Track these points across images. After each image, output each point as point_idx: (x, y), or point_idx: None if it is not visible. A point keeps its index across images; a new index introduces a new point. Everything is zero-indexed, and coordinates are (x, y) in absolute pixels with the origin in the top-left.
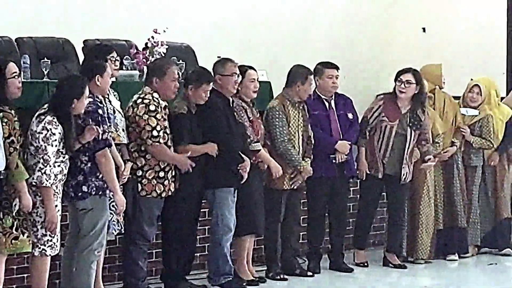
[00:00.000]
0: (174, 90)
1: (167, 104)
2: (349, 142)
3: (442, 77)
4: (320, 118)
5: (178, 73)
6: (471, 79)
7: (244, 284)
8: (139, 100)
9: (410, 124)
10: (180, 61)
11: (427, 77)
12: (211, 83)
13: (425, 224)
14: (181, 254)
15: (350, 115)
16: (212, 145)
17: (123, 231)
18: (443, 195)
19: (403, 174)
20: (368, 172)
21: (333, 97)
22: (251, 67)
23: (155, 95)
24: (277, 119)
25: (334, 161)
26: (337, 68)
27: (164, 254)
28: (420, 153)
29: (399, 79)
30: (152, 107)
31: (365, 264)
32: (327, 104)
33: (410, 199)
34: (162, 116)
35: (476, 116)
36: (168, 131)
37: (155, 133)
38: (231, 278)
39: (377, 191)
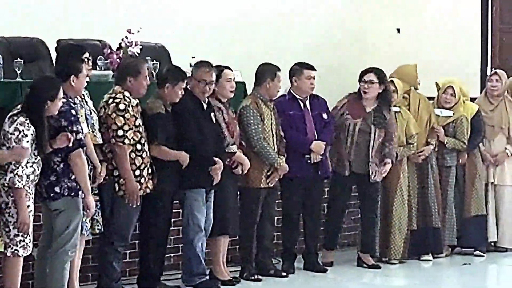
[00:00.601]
0: (146, 88)
1: (138, 102)
2: (324, 143)
3: (417, 78)
4: (295, 118)
5: (149, 71)
6: (436, 83)
7: (218, 284)
8: (110, 100)
9: (375, 123)
10: (154, 61)
11: (402, 77)
12: (185, 81)
13: (398, 224)
14: (158, 255)
15: (325, 116)
16: (185, 156)
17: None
18: (417, 196)
19: (372, 173)
20: (335, 170)
21: (308, 97)
22: (227, 67)
23: (126, 94)
24: (251, 118)
25: (309, 161)
26: (315, 69)
27: (141, 255)
28: (384, 154)
29: (362, 79)
30: (121, 106)
31: (331, 264)
32: (302, 104)
33: (383, 200)
34: (132, 115)
35: (450, 117)
36: (141, 130)
37: (120, 132)
38: (204, 279)
39: (345, 190)
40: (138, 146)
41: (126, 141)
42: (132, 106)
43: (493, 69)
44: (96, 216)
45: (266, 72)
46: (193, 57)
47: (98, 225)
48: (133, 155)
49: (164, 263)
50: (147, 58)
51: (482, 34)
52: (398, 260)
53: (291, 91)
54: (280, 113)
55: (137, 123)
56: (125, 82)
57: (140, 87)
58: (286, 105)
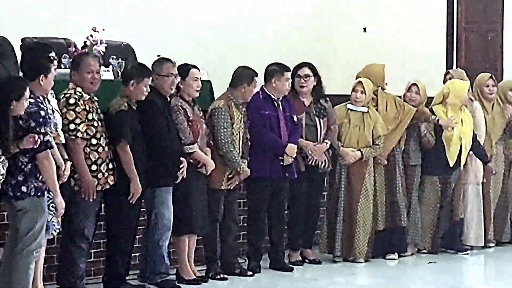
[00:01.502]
0: (92, 81)
1: (95, 98)
2: (296, 146)
3: (385, 78)
4: (271, 119)
5: (96, 65)
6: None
7: (176, 283)
8: (62, 96)
9: (317, 114)
10: (120, 60)
11: (370, 77)
12: (151, 77)
13: (362, 224)
14: (124, 254)
15: (295, 117)
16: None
17: (61, 230)
18: (385, 196)
19: (321, 163)
20: None
21: (281, 98)
22: (194, 66)
23: (78, 89)
24: (222, 120)
25: (282, 163)
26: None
27: (107, 254)
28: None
29: (297, 74)
30: (71, 101)
31: (300, 263)
32: (276, 104)
33: (348, 200)
34: (84, 109)
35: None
36: (96, 124)
37: (72, 126)
38: (167, 277)
39: (303, 187)
40: (93, 141)
41: (79, 134)
42: (84, 100)
43: (458, 68)
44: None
45: (243, 76)
46: (158, 56)
47: (58, 224)
48: (87, 149)
49: (130, 263)
50: (112, 56)
51: (448, 34)
52: (363, 259)
53: (266, 90)
54: (253, 110)
55: (90, 117)
56: (71, 77)
57: (83, 81)
58: (260, 103)
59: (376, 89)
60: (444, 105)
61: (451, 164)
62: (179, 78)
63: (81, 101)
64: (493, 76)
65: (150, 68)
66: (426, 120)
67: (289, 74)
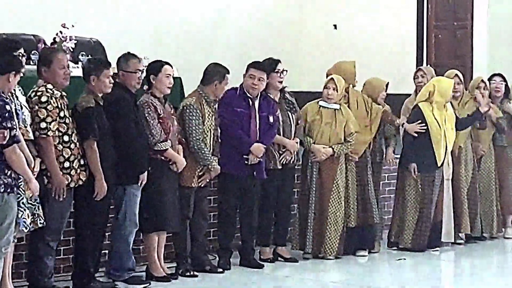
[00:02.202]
0: (65, 77)
1: (64, 94)
2: (264, 146)
3: (356, 75)
4: (242, 116)
5: (67, 60)
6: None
7: (143, 278)
8: (33, 93)
9: (288, 108)
10: (89, 56)
11: (340, 74)
12: (111, 68)
13: (333, 221)
14: (94, 251)
15: (271, 118)
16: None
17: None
18: (357, 193)
19: (291, 157)
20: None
21: (258, 97)
22: (167, 63)
23: (49, 86)
24: (193, 117)
25: (246, 162)
26: (263, 70)
27: (76, 251)
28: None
29: (276, 70)
30: (43, 98)
31: (271, 260)
32: (251, 102)
33: (319, 196)
34: (56, 107)
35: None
36: (67, 121)
37: (43, 124)
38: (133, 274)
39: (274, 183)
40: (65, 138)
41: (50, 133)
42: (56, 97)
43: (428, 65)
44: (37, 210)
45: (215, 73)
46: (128, 52)
47: (40, 219)
48: (60, 147)
49: (100, 260)
50: (81, 53)
51: (418, 31)
52: (333, 256)
53: (243, 87)
54: (226, 106)
55: (62, 115)
56: (41, 73)
57: (55, 76)
58: (235, 100)
59: (347, 86)
60: (429, 103)
61: (439, 163)
62: (143, 74)
63: (53, 99)
64: (458, 74)
65: (116, 64)
66: (390, 123)
67: (254, 72)
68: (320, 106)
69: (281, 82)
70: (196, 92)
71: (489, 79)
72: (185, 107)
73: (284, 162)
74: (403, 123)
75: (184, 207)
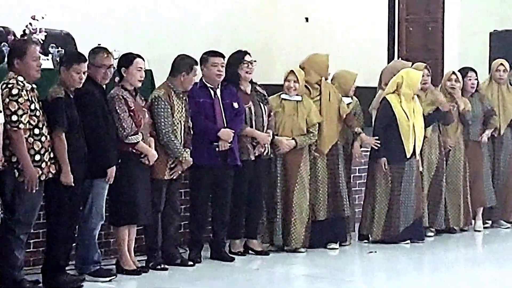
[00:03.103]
0: (38, 69)
1: (34, 86)
2: (233, 131)
3: (329, 68)
4: (205, 106)
5: (38, 52)
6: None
7: (114, 272)
8: (4, 86)
9: (260, 100)
10: (60, 48)
11: (313, 67)
12: (83, 64)
13: (298, 213)
14: (64, 245)
15: (235, 105)
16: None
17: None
18: (327, 186)
19: (264, 150)
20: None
21: (219, 86)
22: (139, 56)
23: (20, 78)
24: (162, 110)
25: (217, 149)
26: (222, 56)
27: (47, 244)
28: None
29: (243, 61)
30: (14, 91)
31: (241, 253)
32: (212, 92)
33: (285, 189)
34: (27, 100)
35: (350, 103)
36: (38, 114)
37: (14, 117)
38: (99, 267)
39: (246, 176)
40: (36, 131)
41: (21, 125)
42: (27, 90)
43: (400, 58)
44: None
45: (183, 64)
46: (99, 45)
47: None
48: (31, 139)
49: (70, 253)
50: (52, 45)
51: (389, 24)
52: (300, 247)
53: (202, 79)
54: (190, 99)
55: (32, 107)
56: (13, 65)
57: (28, 69)
58: (196, 92)
59: (319, 79)
60: (397, 95)
61: (408, 155)
62: (112, 69)
63: (24, 92)
64: (428, 67)
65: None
66: (349, 127)
67: (215, 59)
68: (282, 98)
69: (250, 73)
70: (164, 84)
71: (464, 74)
72: (153, 100)
73: (257, 154)
74: (360, 133)
75: (156, 200)
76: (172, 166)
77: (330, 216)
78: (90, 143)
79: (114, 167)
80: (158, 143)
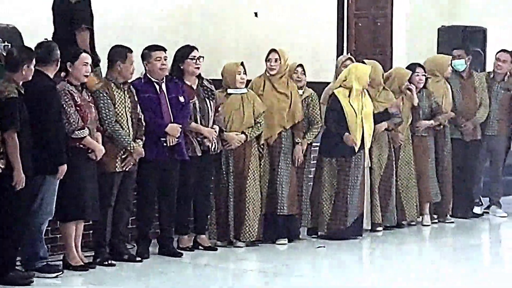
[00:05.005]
0: None
1: None
2: (180, 125)
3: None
4: (151, 101)
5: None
6: None
7: (60, 268)
8: None
9: (206, 96)
10: (6, 43)
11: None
12: (33, 61)
13: (251, 207)
14: (14, 241)
15: (181, 99)
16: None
17: None
18: (267, 180)
19: (211, 145)
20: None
21: (164, 80)
22: (85, 51)
23: None
24: (101, 101)
25: (165, 144)
26: (164, 50)
27: None
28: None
29: (191, 57)
30: None
31: (190, 248)
32: (157, 87)
33: (238, 183)
34: None
35: (301, 95)
36: None
37: None
38: (45, 262)
39: (193, 171)
40: None
41: None
42: None
43: (349, 53)
44: None
45: (116, 54)
46: (45, 39)
47: None
48: None
49: (19, 249)
50: None
51: (338, 20)
52: (253, 242)
53: (147, 74)
54: (138, 94)
55: None
56: None
57: None
58: (142, 88)
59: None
60: (345, 89)
61: (356, 149)
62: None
63: None
64: (423, 66)
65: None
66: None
67: (158, 53)
68: (228, 93)
69: (197, 68)
70: (104, 78)
71: (412, 70)
72: (94, 94)
73: (203, 149)
74: (300, 142)
75: (106, 194)
76: (123, 157)
77: (268, 211)
78: (42, 138)
79: (66, 165)
80: (105, 137)
